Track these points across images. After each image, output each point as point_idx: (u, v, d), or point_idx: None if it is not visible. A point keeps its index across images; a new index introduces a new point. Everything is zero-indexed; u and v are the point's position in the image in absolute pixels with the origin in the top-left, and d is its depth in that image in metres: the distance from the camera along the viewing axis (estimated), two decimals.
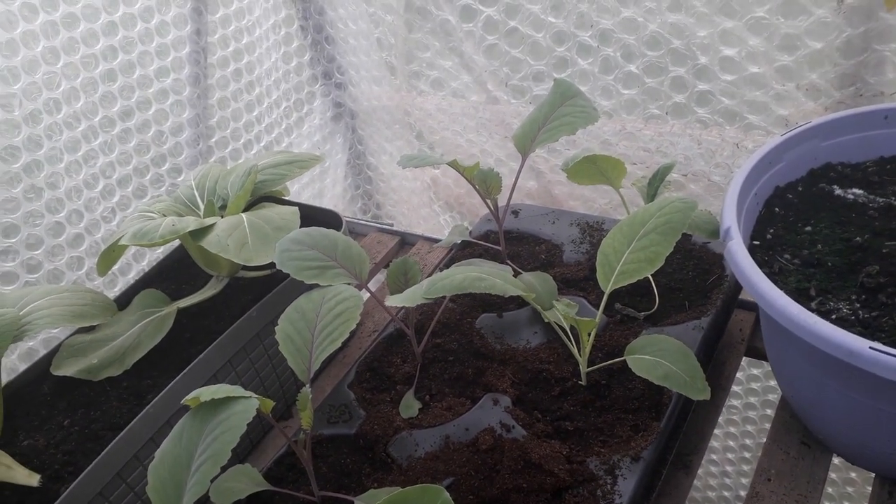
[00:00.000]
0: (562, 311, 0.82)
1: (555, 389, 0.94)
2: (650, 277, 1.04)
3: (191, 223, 0.98)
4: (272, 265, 1.15)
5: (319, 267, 0.93)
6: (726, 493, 1.68)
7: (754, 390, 1.48)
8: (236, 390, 0.72)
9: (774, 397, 1.46)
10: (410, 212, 1.73)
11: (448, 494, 0.59)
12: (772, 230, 0.89)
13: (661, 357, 0.82)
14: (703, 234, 0.90)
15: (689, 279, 1.04)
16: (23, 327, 0.86)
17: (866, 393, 0.73)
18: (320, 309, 0.89)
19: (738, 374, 1.47)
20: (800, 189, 0.93)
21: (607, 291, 0.86)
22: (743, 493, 1.52)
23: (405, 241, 1.45)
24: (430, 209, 1.69)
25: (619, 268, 0.85)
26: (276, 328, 0.87)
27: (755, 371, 1.46)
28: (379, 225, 1.49)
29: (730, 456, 1.63)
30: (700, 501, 1.73)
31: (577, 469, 0.83)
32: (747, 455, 1.58)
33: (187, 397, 0.71)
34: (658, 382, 0.81)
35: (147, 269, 1.20)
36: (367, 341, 1.22)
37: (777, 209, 0.91)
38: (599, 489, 0.81)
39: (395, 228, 1.47)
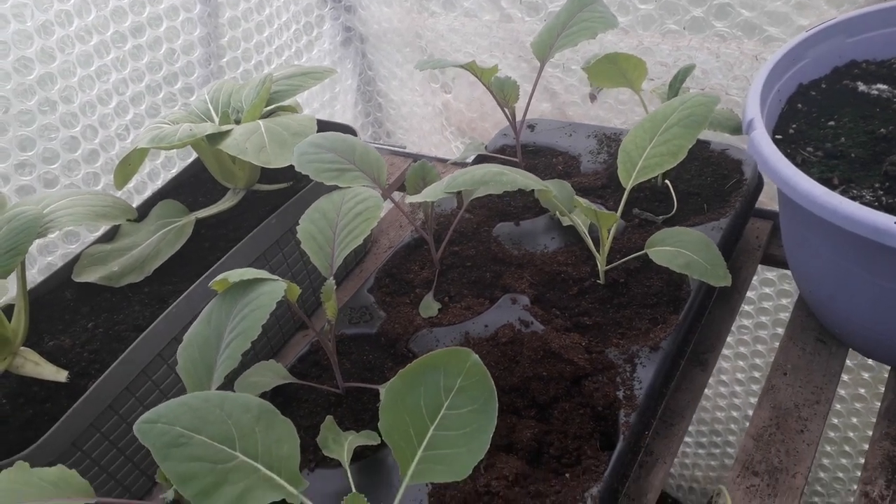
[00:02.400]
0: (584, 206, 0.82)
1: (573, 289, 0.94)
2: (668, 183, 1.04)
3: (208, 128, 0.98)
4: (288, 178, 1.16)
5: (338, 169, 0.92)
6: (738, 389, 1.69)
7: (766, 309, 1.49)
8: (263, 273, 0.73)
9: (785, 316, 1.47)
10: (421, 139, 1.72)
11: (477, 356, 0.60)
12: (794, 125, 0.88)
13: (682, 247, 0.82)
14: (724, 130, 0.89)
15: (708, 184, 1.04)
16: (46, 224, 0.86)
17: (888, 276, 0.73)
18: (341, 209, 0.89)
19: (750, 293, 1.48)
20: (823, 86, 0.92)
21: (628, 187, 0.86)
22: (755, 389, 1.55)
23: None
24: (442, 136, 1.68)
25: (640, 163, 0.85)
26: (297, 227, 0.88)
27: (767, 290, 1.46)
28: (391, 147, 1.48)
29: (739, 377, 1.65)
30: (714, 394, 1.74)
31: (596, 358, 0.84)
32: (756, 374, 1.60)
33: (215, 279, 0.72)
34: (679, 271, 0.81)
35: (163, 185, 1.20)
36: (384, 258, 1.23)
37: (800, 106, 0.90)
38: (619, 376, 0.82)
39: (407, 150, 1.47)
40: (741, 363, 1.62)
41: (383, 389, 0.84)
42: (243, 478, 0.57)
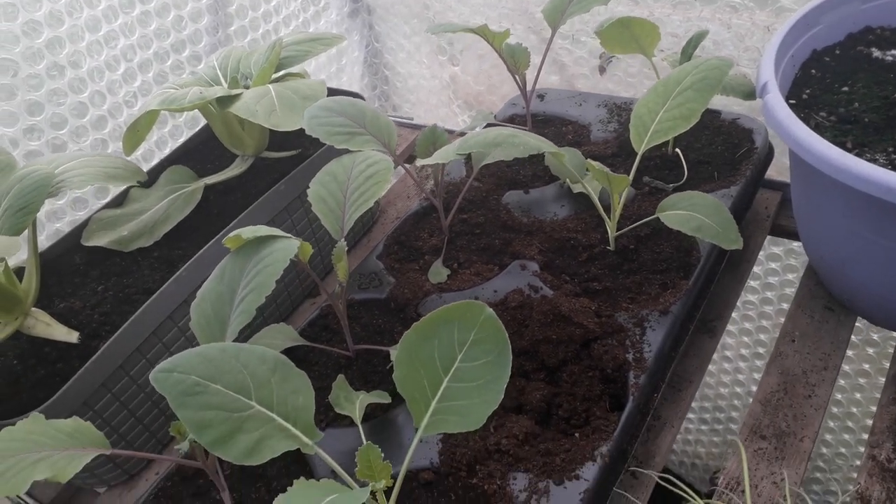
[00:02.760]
0: (596, 168, 0.81)
1: (582, 255, 0.95)
2: (679, 151, 1.04)
3: (218, 91, 0.98)
4: (296, 146, 1.16)
5: (349, 133, 0.92)
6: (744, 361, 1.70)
7: (771, 284, 1.49)
8: (276, 231, 0.73)
9: (790, 290, 1.47)
10: (428, 112, 1.71)
11: (491, 310, 0.60)
12: (808, 91, 0.88)
13: (694, 211, 0.82)
14: (737, 94, 0.89)
15: (719, 153, 1.03)
16: (58, 184, 0.86)
17: None
18: (351, 172, 0.89)
19: (756, 268, 1.48)
20: (837, 52, 0.92)
21: (640, 151, 0.86)
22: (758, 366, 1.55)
23: None
24: (449, 109, 1.67)
25: (653, 126, 0.84)
26: (308, 191, 0.88)
27: (773, 264, 1.46)
28: (398, 119, 1.48)
29: (744, 352, 1.65)
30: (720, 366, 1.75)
31: (606, 322, 0.84)
32: (761, 349, 1.61)
33: (228, 236, 0.72)
34: (691, 233, 0.81)
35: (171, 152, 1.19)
36: (392, 226, 1.23)
37: (813, 71, 0.90)
38: (628, 339, 0.82)
39: (414, 122, 1.46)
40: (745, 339, 1.62)
41: (394, 351, 0.84)
42: (259, 426, 0.57)
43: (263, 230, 0.72)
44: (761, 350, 1.60)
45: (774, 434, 0.83)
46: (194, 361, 0.58)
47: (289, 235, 0.73)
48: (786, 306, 1.51)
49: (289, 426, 0.59)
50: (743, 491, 0.76)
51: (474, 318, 0.60)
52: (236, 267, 0.71)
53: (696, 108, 0.82)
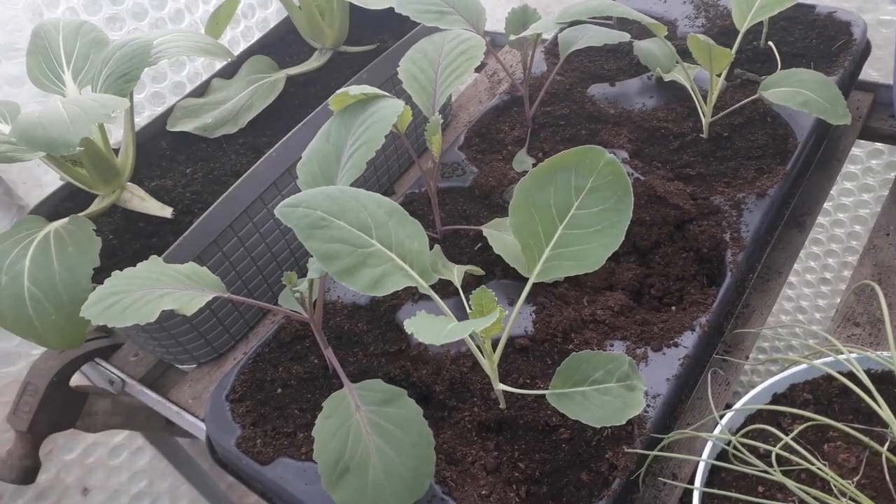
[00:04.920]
0: (700, 41, 0.79)
1: (674, 143, 0.93)
2: (771, 44, 1.01)
3: None
4: (373, 41, 1.15)
5: (439, 12, 0.91)
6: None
7: (845, 205, 1.46)
8: (381, 91, 0.73)
9: (864, 212, 1.44)
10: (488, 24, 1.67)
11: (612, 155, 0.60)
12: None
13: (800, 87, 0.80)
14: None
15: (813, 46, 1.00)
16: (156, 54, 0.87)
17: None
18: (442, 49, 0.88)
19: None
20: None
21: (743, 29, 0.83)
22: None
23: (494, 43, 1.42)
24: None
25: (759, 2, 0.82)
26: (398, 69, 0.87)
27: (848, 185, 1.43)
28: None
29: (809, 278, 1.63)
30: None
31: (701, 204, 0.83)
32: (828, 275, 1.58)
33: (335, 95, 0.72)
34: (797, 108, 0.79)
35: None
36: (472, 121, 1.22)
37: None
38: (725, 220, 0.81)
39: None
40: (812, 263, 1.60)
41: (486, 229, 0.84)
42: (380, 263, 0.58)
43: (369, 89, 0.72)
44: (828, 276, 1.58)
45: (868, 321, 0.82)
46: (318, 198, 0.59)
47: (392, 96, 0.73)
48: (858, 228, 1.48)
49: (406, 266, 0.60)
50: None
51: (593, 164, 0.60)
52: (342, 126, 0.72)
53: None
